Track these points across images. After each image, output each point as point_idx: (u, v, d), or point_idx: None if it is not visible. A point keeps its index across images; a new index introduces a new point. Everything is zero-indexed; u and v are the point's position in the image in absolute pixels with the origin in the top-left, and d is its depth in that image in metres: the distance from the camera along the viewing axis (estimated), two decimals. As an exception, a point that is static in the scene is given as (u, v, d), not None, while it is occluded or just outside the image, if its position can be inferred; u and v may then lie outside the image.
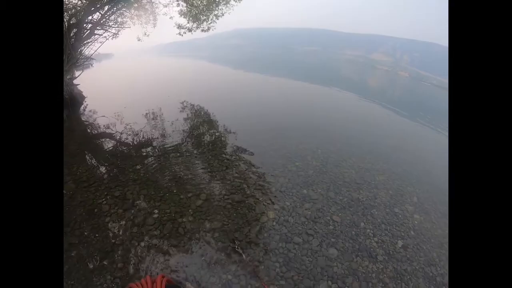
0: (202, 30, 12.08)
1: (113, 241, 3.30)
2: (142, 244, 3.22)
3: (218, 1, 11.42)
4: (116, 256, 3.10)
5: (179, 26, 12.00)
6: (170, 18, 12.17)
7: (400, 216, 4.02)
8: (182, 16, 11.86)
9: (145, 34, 11.95)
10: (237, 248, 3.09)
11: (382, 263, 3.13)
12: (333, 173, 5.02)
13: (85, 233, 3.46)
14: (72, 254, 3.17)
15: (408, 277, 3.01)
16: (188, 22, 11.89)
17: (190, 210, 3.69)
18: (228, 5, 11.67)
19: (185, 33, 12.05)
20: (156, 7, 11.79)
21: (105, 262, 3.02)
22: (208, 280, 2.74)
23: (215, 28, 12.25)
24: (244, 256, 3.00)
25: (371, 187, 4.71)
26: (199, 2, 11.37)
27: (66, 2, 9.64)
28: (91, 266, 2.98)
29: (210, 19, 11.85)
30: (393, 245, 3.43)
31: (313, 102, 12.84)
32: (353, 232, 3.54)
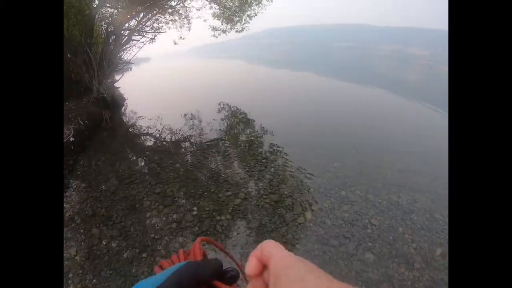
0: (236, 31, 12.29)
1: (153, 235, 3.44)
2: (180, 239, 3.33)
3: (250, 2, 11.52)
4: (155, 250, 3.23)
5: (214, 28, 12.33)
6: (204, 21, 12.54)
7: (440, 222, 3.73)
8: (216, 18, 12.16)
9: (181, 38, 12.38)
10: None
11: (419, 270, 2.94)
12: (372, 175, 4.81)
13: (126, 227, 3.66)
14: (113, 245, 3.37)
15: (445, 287, 2.79)
16: (222, 24, 12.17)
17: (228, 209, 3.74)
18: (260, 5, 11.74)
19: (220, 34, 12.34)
20: (189, 11, 12.16)
21: (143, 255, 3.17)
22: (242, 279, 2.75)
23: (249, 29, 12.38)
24: None
25: (411, 190, 4.43)
26: (232, 4, 11.57)
27: (103, 11, 10.31)
28: (130, 258, 3.14)
29: (243, 19, 12.00)
30: (431, 252, 3.20)
31: (350, 101, 12.44)
32: (390, 237, 3.36)
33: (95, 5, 9.14)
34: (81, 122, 7.23)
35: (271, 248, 0.34)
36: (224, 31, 12.27)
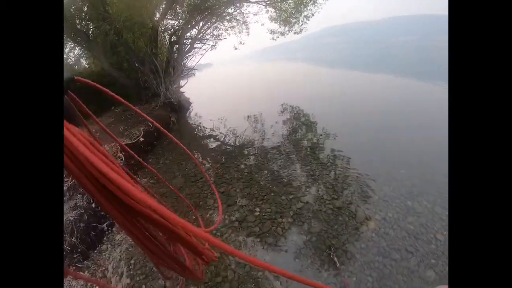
0: (295, 33, 12.36)
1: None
2: (241, 238, 3.44)
3: (306, 2, 11.46)
4: None
5: (272, 32, 12.58)
6: (261, 25, 12.88)
7: (513, 242, 3.16)
8: (273, 21, 12.37)
9: (241, 43, 12.93)
10: (332, 255, 2.99)
11: (481, 295, 2.53)
12: (441, 184, 4.32)
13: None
14: None
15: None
16: (280, 27, 12.34)
17: (290, 212, 3.74)
18: (316, 4, 11.62)
19: (278, 37, 12.53)
20: (247, 17, 12.62)
21: None
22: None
23: (307, 29, 12.32)
24: (338, 264, 2.89)
25: (483, 204, 3.86)
26: (287, 6, 11.64)
27: (164, 24, 11.23)
28: None
29: (300, 20, 12.00)
30: (497, 276, 2.74)
31: (419, 102, 11.40)
32: (455, 255, 2.97)
33: (157, 18, 10.01)
34: (150, 124, 7.97)
35: None
36: (282, 34, 12.44)
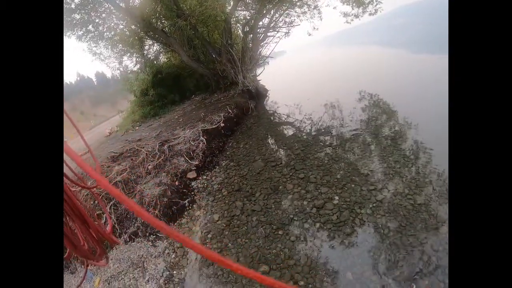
0: (370, 14, 11.22)
1: (292, 216, 3.66)
2: (317, 225, 3.40)
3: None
4: (291, 229, 3.44)
5: (345, 14, 11.68)
6: (333, 8, 12.04)
7: None
8: (345, 3, 11.46)
9: (314, 28, 12.30)
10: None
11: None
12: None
13: (268, 204, 4.02)
14: (253, 218, 3.78)
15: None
16: (353, 9, 11.37)
17: (370, 204, 3.54)
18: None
19: (352, 20, 11.59)
20: (317, 1, 11.91)
21: (280, 232, 3.43)
22: (369, 277, 2.62)
23: (382, 9, 11.08)
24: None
25: None
26: (359, -15, 10.65)
27: (236, 15, 11.30)
28: (266, 232, 3.46)
29: (374, 0, 10.85)
30: None
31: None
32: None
33: (228, 11, 10.10)
34: (230, 111, 8.39)
35: None
36: (356, 16, 11.43)
